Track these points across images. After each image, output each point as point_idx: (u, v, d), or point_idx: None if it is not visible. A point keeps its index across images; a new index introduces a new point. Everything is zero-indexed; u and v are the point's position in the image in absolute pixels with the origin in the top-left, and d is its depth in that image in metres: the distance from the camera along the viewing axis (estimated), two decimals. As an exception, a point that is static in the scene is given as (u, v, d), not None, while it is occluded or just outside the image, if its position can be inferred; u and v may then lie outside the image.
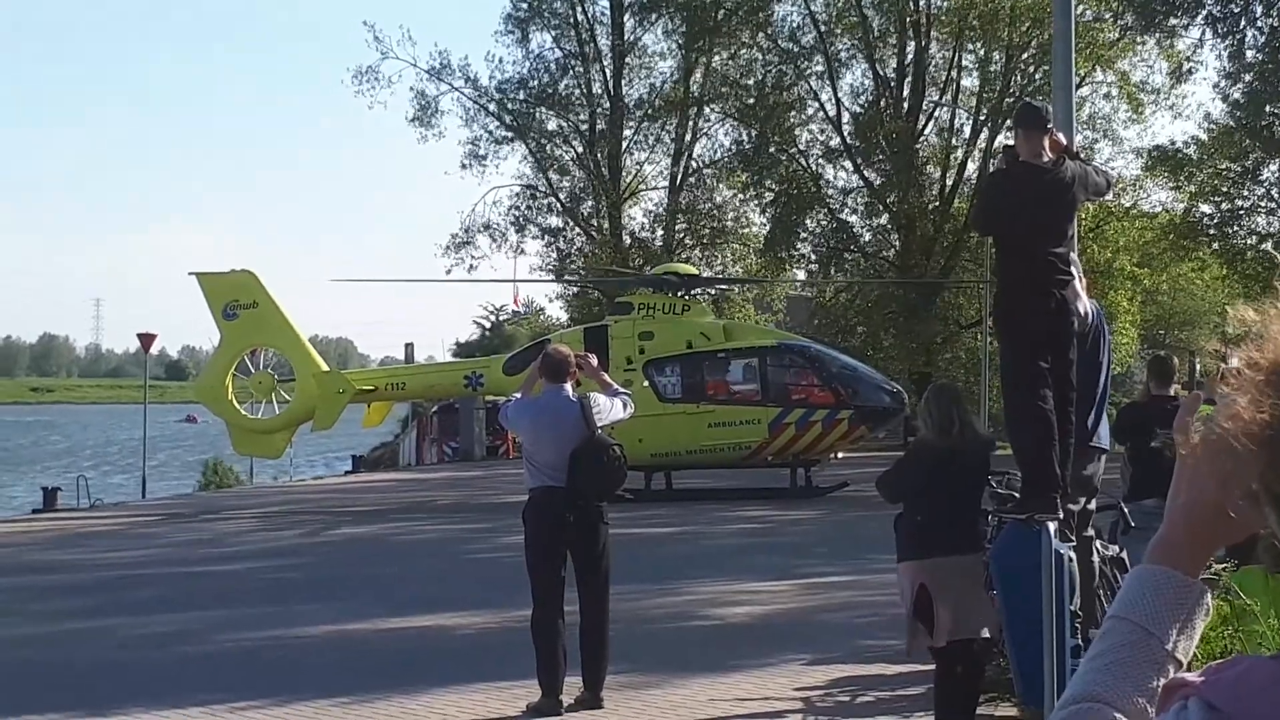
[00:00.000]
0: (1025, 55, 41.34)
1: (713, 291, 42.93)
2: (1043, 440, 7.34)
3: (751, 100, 43.89)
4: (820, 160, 44.91)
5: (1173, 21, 35.67)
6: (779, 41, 44.10)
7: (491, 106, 45.98)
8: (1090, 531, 8.41)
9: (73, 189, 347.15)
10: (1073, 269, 7.56)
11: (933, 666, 8.43)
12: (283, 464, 38.91)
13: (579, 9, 45.54)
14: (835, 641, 11.71)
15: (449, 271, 45.73)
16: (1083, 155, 8.11)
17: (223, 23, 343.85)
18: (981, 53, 42.94)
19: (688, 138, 46.07)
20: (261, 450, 30.71)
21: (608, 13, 45.92)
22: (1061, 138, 7.54)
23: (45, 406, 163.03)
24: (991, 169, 26.27)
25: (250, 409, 29.14)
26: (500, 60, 60.74)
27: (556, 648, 9.22)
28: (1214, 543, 1.62)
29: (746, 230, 46.58)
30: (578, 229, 46.63)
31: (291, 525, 23.81)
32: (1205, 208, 38.59)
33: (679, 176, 45.98)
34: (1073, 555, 7.63)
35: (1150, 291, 44.94)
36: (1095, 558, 8.44)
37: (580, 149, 46.40)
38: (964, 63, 43.41)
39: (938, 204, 42.86)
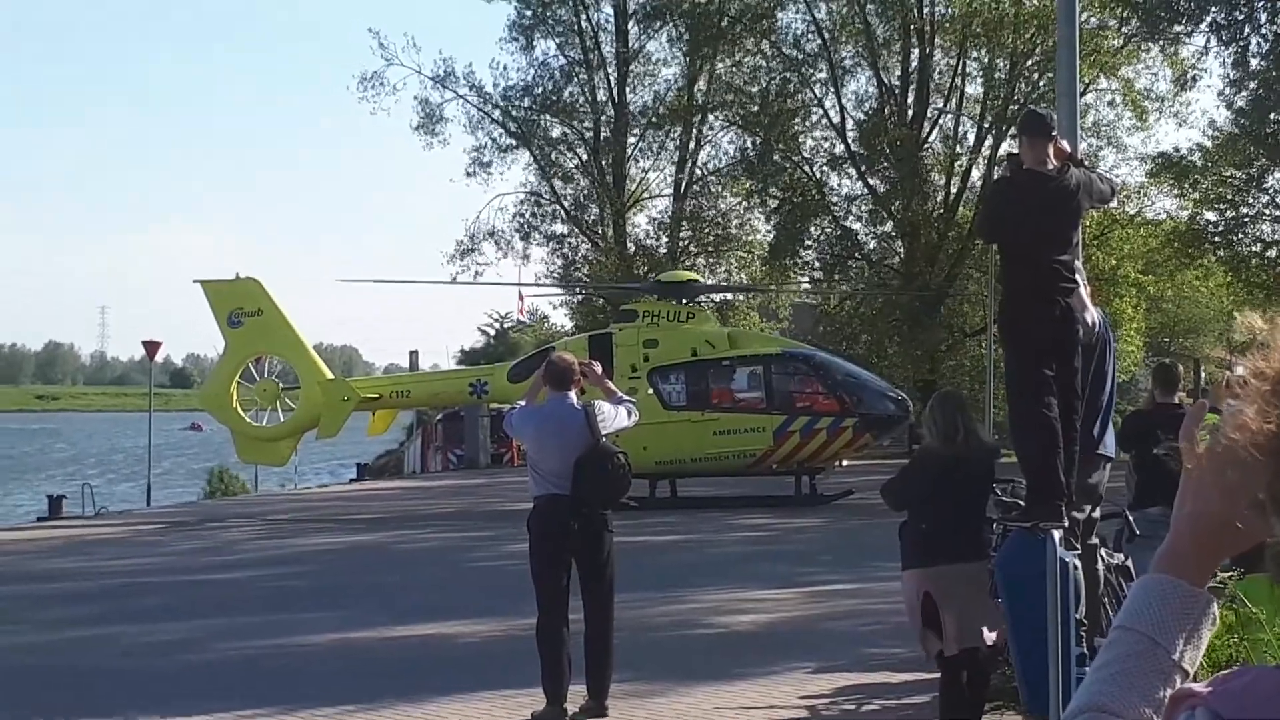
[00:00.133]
0: (1030, 62, 41.30)
1: (717, 299, 42.96)
2: (1047, 448, 7.33)
3: (756, 107, 43.90)
4: (824, 168, 44.93)
5: (1177, 29, 35.69)
6: (783, 49, 44.11)
7: (496, 114, 46.05)
8: (1095, 539, 8.39)
9: (73, 189, 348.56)
10: (1077, 277, 7.55)
11: (938, 675, 8.42)
12: (288, 472, 38.90)
13: (583, 16, 45.60)
14: (840, 650, 11.69)
15: (454, 278, 45.86)
16: (1087, 162, 8.10)
17: (223, 23, 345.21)
18: (986, 60, 42.92)
19: (692, 145, 46.09)
20: (266, 458, 30.73)
21: (612, 20, 45.97)
22: (1066, 145, 7.53)
23: (50, 414, 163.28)
24: (996, 176, 26.24)
25: (255, 417, 29.15)
26: (505, 67, 60.91)
27: (561, 656, 9.21)
28: (1220, 552, 1.62)
29: (751, 238, 46.57)
30: (582, 236, 46.67)
31: (296, 533, 23.81)
32: (1210, 215, 38.57)
33: (683, 184, 45.99)
34: (1078, 563, 7.61)
35: (1155, 299, 44.90)
36: (1100, 566, 8.43)
37: (585, 156, 46.44)
38: (968, 70, 43.40)
39: (942, 211, 42.83)
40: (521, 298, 46.35)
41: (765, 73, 44.78)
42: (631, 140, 46.07)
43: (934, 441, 8.28)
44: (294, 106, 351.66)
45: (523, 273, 48.09)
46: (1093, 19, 38.15)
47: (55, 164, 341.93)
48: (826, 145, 45.02)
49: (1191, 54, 37.96)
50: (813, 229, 44.49)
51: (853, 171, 44.19)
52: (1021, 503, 8.16)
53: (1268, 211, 37.58)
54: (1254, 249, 37.59)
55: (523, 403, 9.86)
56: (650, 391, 26.34)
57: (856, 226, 45.17)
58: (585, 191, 46.83)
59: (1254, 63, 34.68)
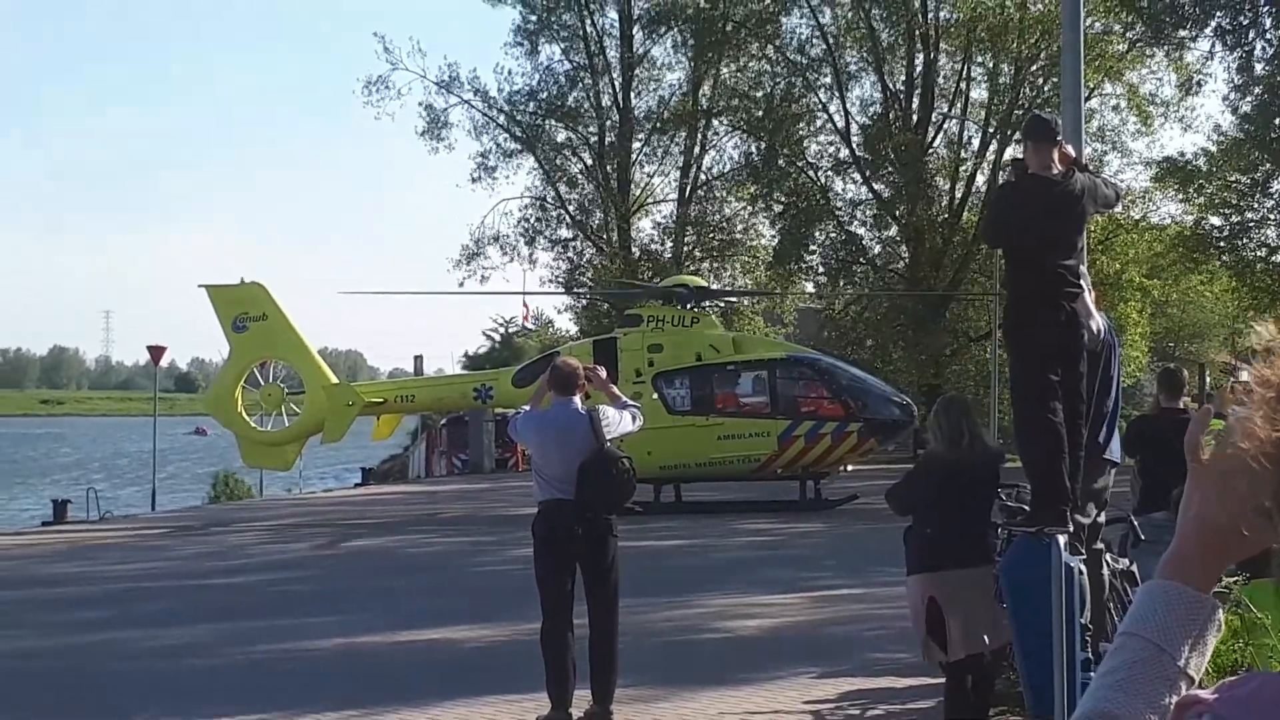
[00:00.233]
0: (1034, 67, 41.33)
1: (722, 304, 42.93)
2: (1052, 453, 7.32)
3: (760, 112, 43.93)
4: (829, 172, 44.98)
5: (1182, 34, 35.65)
6: (788, 54, 44.13)
7: (501, 119, 46.11)
8: (1100, 544, 8.39)
9: (73, 189, 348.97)
10: (1082, 282, 7.55)
11: (943, 679, 8.41)
12: (292, 476, 38.93)
13: (588, 21, 45.64)
14: (844, 654, 11.68)
15: (461, 284, 45.95)
16: (1092, 167, 8.09)
17: (224, 22, 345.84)
18: (990, 65, 42.96)
19: (696, 150, 46.16)
20: (271, 462, 30.75)
21: (617, 25, 46.06)
22: (1070, 150, 7.53)
23: (55, 419, 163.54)
24: (1000, 181, 26.25)
25: (260, 421, 29.17)
26: (509, 72, 61.08)
27: (566, 660, 9.21)
28: (1226, 558, 1.61)
29: (755, 242, 46.61)
30: (587, 241, 46.71)
31: (300, 538, 23.81)
32: (1215, 220, 38.53)
33: (688, 188, 46.05)
34: (1083, 568, 7.60)
35: (1160, 304, 44.90)
36: (1105, 571, 8.42)
37: (589, 161, 46.50)
38: (973, 75, 43.45)
39: (947, 216, 42.85)
40: (526, 305, 46.43)
41: (770, 78, 44.82)
42: (636, 145, 46.13)
43: (939, 446, 8.28)
44: (294, 107, 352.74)
45: (528, 278, 48.02)
46: (1097, 24, 38.18)
47: (55, 164, 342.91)
48: (831, 150, 45.12)
49: (1196, 59, 38.00)
50: (817, 234, 44.52)
51: (857, 176, 44.23)
52: (1026, 508, 8.15)
53: (1273, 216, 37.52)
54: (1259, 254, 37.54)
55: (527, 407, 9.86)
56: (655, 396, 26.34)
57: (861, 231, 45.23)
58: (590, 196, 46.90)
59: (1259, 67, 34.65)
